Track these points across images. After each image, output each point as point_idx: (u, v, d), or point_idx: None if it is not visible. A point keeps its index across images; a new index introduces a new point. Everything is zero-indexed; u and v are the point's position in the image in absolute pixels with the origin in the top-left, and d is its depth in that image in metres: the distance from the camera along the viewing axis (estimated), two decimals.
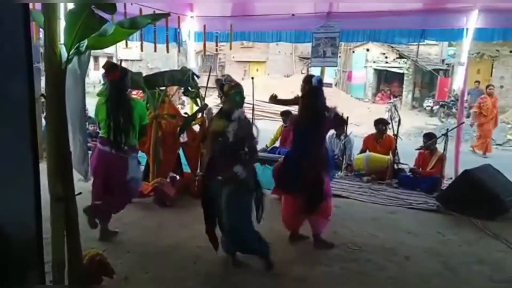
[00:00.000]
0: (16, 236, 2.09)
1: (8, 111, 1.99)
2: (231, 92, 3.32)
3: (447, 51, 23.74)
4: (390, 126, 6.92)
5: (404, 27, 7.18)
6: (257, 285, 3.31)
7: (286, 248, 3.97)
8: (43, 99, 2.95)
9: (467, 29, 6.48)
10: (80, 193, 2.78)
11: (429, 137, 6.44)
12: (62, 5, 2.49)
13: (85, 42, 2.48)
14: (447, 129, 6.07)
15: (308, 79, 4.02)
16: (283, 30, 8.08)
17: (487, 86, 10.70)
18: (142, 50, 8.34)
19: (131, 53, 20.46)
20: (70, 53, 2.50)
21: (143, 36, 7.52)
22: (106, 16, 2.64)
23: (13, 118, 2.04)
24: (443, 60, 23.57)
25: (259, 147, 7.68)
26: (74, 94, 2.60)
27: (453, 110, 15.58)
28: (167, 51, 8.05)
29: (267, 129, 8.95)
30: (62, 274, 2.73)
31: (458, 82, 7.43)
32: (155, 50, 7.88)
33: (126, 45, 8.24)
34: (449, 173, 6.40)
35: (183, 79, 5.08)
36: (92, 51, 2.66)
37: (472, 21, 6.32)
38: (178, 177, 5.58)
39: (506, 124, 13.25)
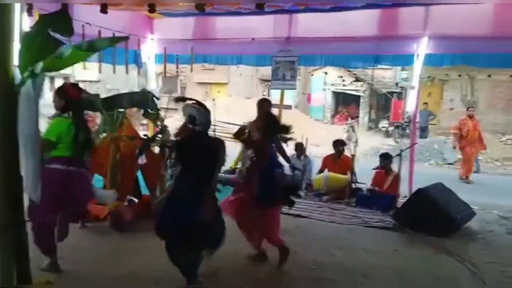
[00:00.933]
0: None
1: None
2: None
3: (400, 75, 24.84)
4: (348, 146, 7.12)
5: (359, 53, 7.50)
6: None
7: (245, 270, 3.95)
8: None
9: (417, 54, 6.84)
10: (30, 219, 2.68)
11: (385, 157, 6.68)
12: (17, 27, 2.44)
13: (40, 64, 2.43)
14: (401, 150, 6.33)
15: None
16: (243, 54, 8.21)
17: (468, 108, 10.42)
18: (100, 72, 8.21)
19: (89, 74, 20.04)
20: (24, 75, 2.46)
21: (101, 57, 7.43)
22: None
23: None
24: (396, 83, 24.62)
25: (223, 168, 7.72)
26: (27, 116, 2.52)
27: (407, 131, 16.23)
28: (127, 73, 7.99)
29: (229, 150, 8.97)
30: None
31: (410, 104, 7.81)
32: (114, 72, 7.78)
33: (84, 66, 8.06)
34: (404, 191, 6.62)
35: (143, 100, 5.05)
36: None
37: (422, 47, 6.68)
38: (136, 200, 5.48)
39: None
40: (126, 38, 3.05)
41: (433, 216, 5.05)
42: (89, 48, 2.47)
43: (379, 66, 22.27)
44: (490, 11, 6.25)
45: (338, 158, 7.09)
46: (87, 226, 4.83)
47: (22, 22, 2.62)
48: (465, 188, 8.39)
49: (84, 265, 3.88)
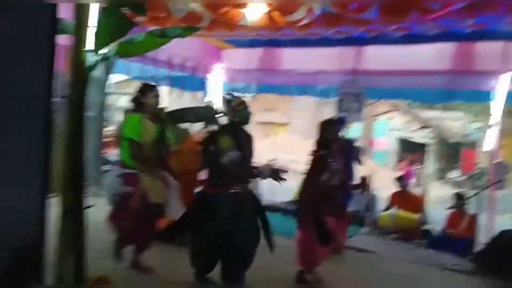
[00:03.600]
0: (20, 238, 1.93)
1: (26, 112, 1.89)
2: (240, 107, 3.35)
3: (470, 126, 23.54)
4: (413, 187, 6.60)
5: (431, 87, 7.10)
6: None
7: None
8: None
9: (495, 91, 6.33)
10: (91, 206, 2.60)
11: (459, 197, 6.11)
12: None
13: (112, 48, 2.42)
14: (477, 191, 5.75)
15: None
16: (307, 85, 8.11)
17: None
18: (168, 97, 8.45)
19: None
20: (97, 59, 2.44)
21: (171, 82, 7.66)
22: None
23: (30, 116, 1.93)
24: (467, 135, 23.36)
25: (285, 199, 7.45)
26: (94, 100, 2.50)
27: (479, 183, 15.06)
28: (194, 99, 8.14)
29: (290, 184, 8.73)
30: None
31: (483, 154, 7.17)
32: (180, 97, 7.98)
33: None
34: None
35: (206, 115, 4.99)
36: None
37: (503, 83, 6.18)
38: None
39: None
40: (197, 29, 3.05)
41: None
42: (162, 34, 2.43)
43: (449, 113, 21.34)
44: None
45: (406, 194, 6.55)
46: None
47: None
48: None
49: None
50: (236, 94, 3.65)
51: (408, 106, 22.15)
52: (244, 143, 3.27)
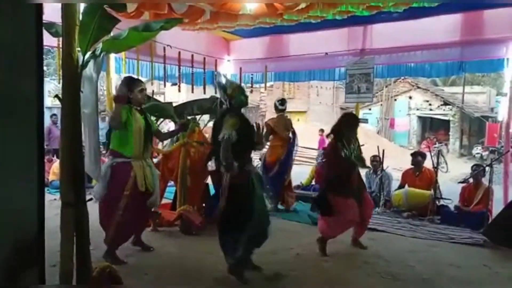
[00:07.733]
0: (18, 235, 2.03)
1: (17, 110, 1.97)
2: (236, 93, 3.46)
3: (495, 99, 23.00)
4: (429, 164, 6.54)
5: (441, 60, 7.02)
6: None
7: (312, 272, 3.71)
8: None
9: (507, 59, 6.24)
10: (91, 199, 2.75)
11: (475, 168, 6.05)
12: (80, 12, 2.59)
13: (99, 46, 2.55)
14: (492, 159, 5.67)
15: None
16: (316, 69, 8.13)
17: None
18: (179, 91, 8.63)
19: (171, 95, 21.00)
20: (86, 57, 2.58)
21: (181, 78, 7.82)
22: None
23: (21, 117, 2.02)
24: (492, 109, 22.79)
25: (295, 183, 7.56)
26: (88, 97, 2.64)
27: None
28: (204, 93, 8.27)
29: (305, 172, 8.77)
30: (69, 283, 2.65)
31: (502, 113, 7.05)
32: (192, 91, 8.13)
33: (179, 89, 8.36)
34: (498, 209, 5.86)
35: (212, 107, 5.12)
36: None
37: None
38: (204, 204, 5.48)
39: None
40: (180, 21, 3.15)
41: None
42: (145, 29, 2.53)
43: (471, 88, 20.85)
44: None
45: (419, 171, 6.52)
46: (159, 230, 4.95)
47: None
48: None
49: (150, 263, 3.91)
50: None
51: (428, 84, 21.75)
52: (245, 125, 3.39)
